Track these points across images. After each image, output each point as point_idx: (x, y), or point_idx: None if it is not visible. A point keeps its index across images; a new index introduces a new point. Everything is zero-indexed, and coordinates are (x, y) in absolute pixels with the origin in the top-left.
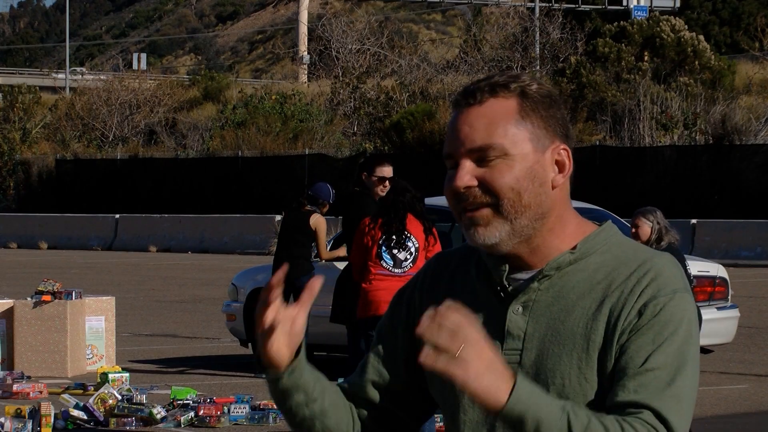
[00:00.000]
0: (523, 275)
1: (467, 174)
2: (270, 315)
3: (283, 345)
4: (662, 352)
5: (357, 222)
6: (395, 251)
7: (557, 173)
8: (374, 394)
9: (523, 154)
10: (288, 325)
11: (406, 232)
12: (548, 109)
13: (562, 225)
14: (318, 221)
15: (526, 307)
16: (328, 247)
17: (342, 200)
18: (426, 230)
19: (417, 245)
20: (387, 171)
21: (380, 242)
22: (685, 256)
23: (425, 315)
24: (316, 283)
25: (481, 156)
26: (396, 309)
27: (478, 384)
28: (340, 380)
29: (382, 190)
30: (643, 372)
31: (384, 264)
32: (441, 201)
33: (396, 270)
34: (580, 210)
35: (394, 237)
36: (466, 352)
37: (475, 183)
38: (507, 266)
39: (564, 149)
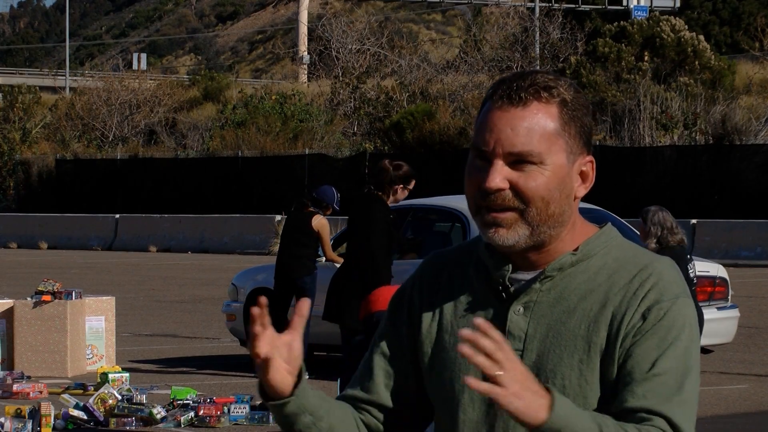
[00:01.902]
0: (524, 275)
1: (500, 175)
2: (263, 347)
3: (284, 372)
4: (668, 357)
5: (368, 225)
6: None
7: (580, 184)
8: (386, 397)
9: (558, 165)
10: (285, 351)
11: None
12: (583, 118)
13: (573, 230)
14: (320, 223)
15: (527, 308)
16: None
17: (352, 201)
18: None
19: None
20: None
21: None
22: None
23: (462, 333)
24: (304, 307)
25: (518, 160)
26: (397, 311)
27: (519, 403)
28: (341, 379)
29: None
30: (650, 377)
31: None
32: (441, 201)
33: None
34: (580, 210)
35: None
36: (505, 372)
37: (507, 186)
38: (510, 266)
39: (590, 161)
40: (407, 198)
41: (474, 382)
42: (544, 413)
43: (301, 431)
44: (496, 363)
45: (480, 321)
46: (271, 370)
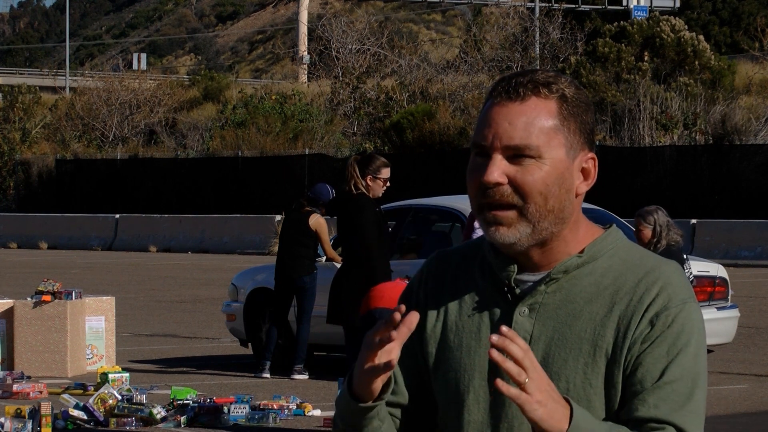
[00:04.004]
0: (530, 277)
1: (498, 169)
2: (381, 352)
3: (380, 379)
4: (678, 364)
5: (359, 223)
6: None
7: (582, 181)
8: (408, 399)
9: (557, 159)
10: (385, 358)
11: None
12: (583, 115)
13: (576, 229)
14: (318, 222)
15: (532, 310)
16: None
17: (338, 201)
18: None
19: None
20: (389, 172)
21: None
22: (686, 256)
23: (491, 339)
24: (414, 320)
25: (516, 154)
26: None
27: (543, 411)
28: (341, 379)
29: (382, 191)
30: (661, 386)
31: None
32: (441, 201)
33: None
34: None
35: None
36: (531, 380)
37: (506, 180)
38: (515, 267)
39: (592, 158)
40: (404, 195)
41: (504, 386)
42: (565, 423)
43: None
44: (523, 370)
45: (506, 329)
46: (379, 376)
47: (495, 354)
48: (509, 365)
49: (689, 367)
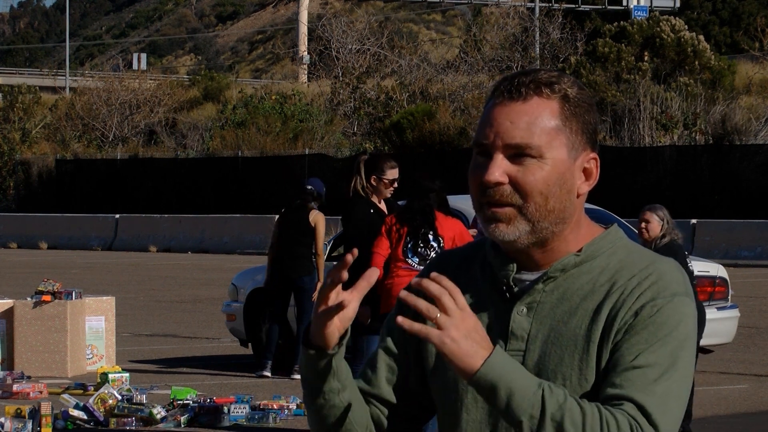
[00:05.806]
0: (529, 276)
1: (499, 169)
2: (333, 295)
3: (335, 327)
4: (653, 352)
5: (358, 229)
6: (421, 250)
7: (583, 181)
8: (388, 392)
9: (558, 160)
10: (341, 308)
11: (433, 235)
12: (585, 115)
13: (577, 229)
14: (317, 218)
15: (530, 309)
16: (328, 247)
17: (342, 202)
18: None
19: (442, 244)
20: (396, 173)
21: (406, 242)
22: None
23: (412, 281)
24: (373, 274)
25: (517, 153)
26: (404, 308)
27: (453, 347)
28: None
29: (390, 192)
30: (630, 369)
31: (409, 261)
32: None
33: (420, 267)
34: None
35: (421, 242)
36: (445, 318)
37: (506, 180)
38: (514, 266)
39: (594, 158)
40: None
41: (405, 322)
42: (479, 362)
43: (325, 396)
44: (442, 308)
45: (435, 274)
46: (330, 321)
47: (403, 294)
48: (419, 302)
49: (666, 356)
